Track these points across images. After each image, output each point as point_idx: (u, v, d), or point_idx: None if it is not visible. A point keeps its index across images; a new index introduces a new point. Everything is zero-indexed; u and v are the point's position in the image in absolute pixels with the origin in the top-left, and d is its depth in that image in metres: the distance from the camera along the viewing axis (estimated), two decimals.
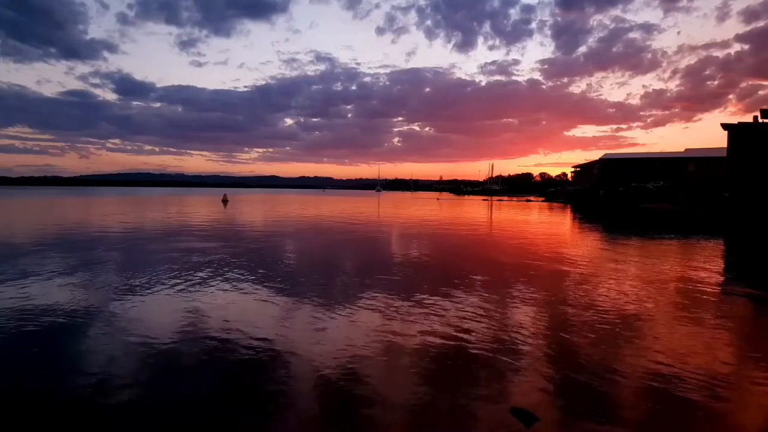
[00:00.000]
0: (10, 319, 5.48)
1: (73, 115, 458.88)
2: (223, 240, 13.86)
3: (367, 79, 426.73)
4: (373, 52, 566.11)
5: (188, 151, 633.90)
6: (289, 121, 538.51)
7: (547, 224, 22.92)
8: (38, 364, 4.25)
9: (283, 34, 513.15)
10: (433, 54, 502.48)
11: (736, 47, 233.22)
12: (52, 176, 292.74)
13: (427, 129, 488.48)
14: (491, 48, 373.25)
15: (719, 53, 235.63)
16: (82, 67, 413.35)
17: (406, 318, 5.75)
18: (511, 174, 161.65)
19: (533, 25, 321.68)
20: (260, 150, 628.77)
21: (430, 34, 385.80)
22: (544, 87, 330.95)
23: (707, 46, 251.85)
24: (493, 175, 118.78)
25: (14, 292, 6.76)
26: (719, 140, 39.62)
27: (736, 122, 37.30)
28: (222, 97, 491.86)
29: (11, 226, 18.40)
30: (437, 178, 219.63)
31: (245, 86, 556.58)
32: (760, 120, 36.58)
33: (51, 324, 5.34)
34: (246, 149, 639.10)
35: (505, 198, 79.64)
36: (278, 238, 14.93)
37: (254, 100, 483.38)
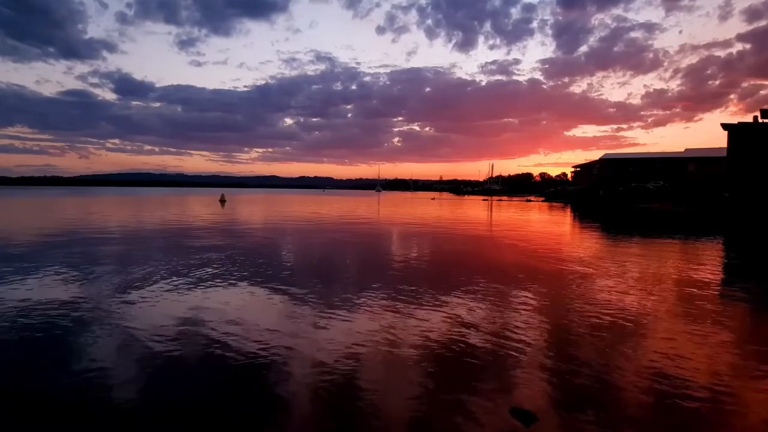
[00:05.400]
0: (11, 318, 5.48)
1: (73, 115, 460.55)
2: (217, 238, 13.86)
3: (367, 78, 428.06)
4: (373, 52, 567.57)
5: (188, 151, 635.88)
6: (289, 121, 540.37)
7: (547, 224, 22.90)
8: (40, 362, 4.25)
9: (283, 34, 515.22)
10: (434, 53, 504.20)
11: (738, 47, 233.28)
12: (52, 176, 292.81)
13: (427, 129, 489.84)
14: (492, 47, 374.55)
15: (721, 53, 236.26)
16: (82, 67, 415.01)
17: (407, 317, 5.75)
18: (511, 174, 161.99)
19: (534, 24, 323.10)
20: (260, 150, 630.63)
21: (430, 34, 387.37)
22: (544, 87, 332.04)
23: (709, 46, 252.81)
24: (493, 175, 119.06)
25: (12, 292, 6.77)
26: (719, 140, 39.63)
27: (736, 122, 37.31)
28: (222, 97, 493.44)
29: (13, 225, 18.39)
30: (437, 178, 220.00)
31: (245, 86, 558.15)
32: (760, 120, 36.58)
33: (49, 322, 5.34)
34: (246, 149, 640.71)
35: (505, 198, 79.62)
36: (275, 237, 14.94)
37: (254, 100, 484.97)
